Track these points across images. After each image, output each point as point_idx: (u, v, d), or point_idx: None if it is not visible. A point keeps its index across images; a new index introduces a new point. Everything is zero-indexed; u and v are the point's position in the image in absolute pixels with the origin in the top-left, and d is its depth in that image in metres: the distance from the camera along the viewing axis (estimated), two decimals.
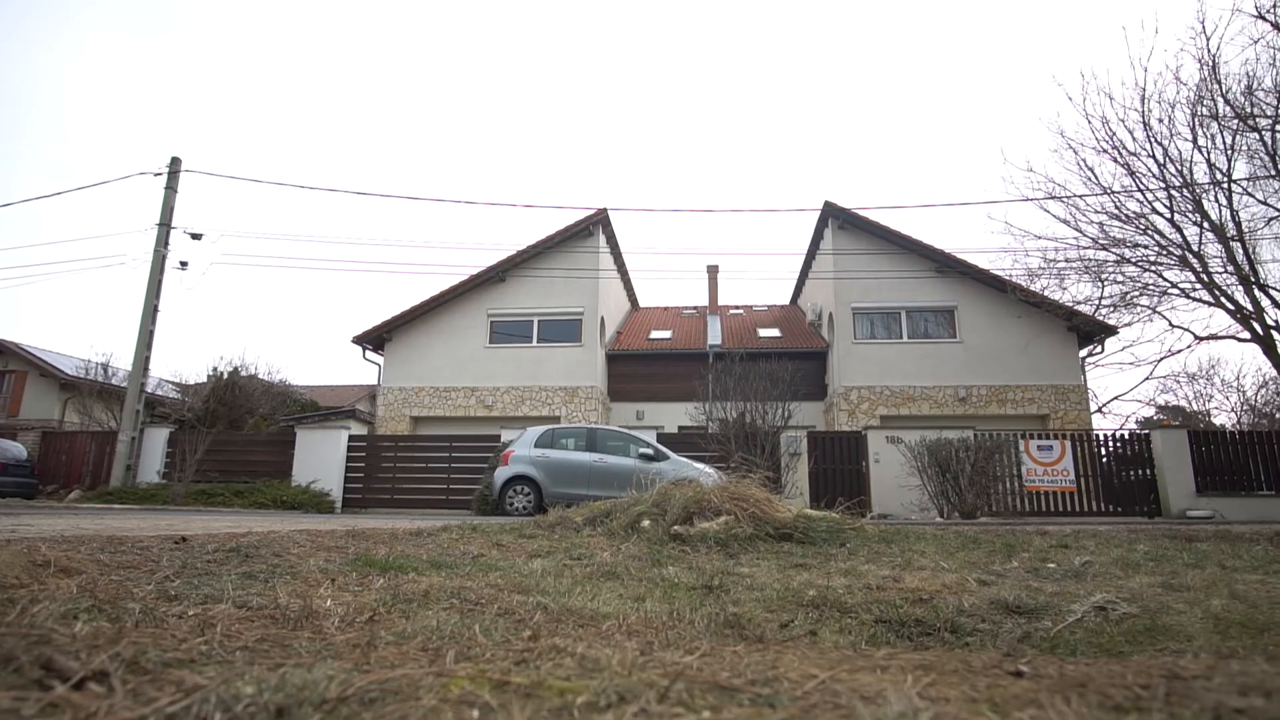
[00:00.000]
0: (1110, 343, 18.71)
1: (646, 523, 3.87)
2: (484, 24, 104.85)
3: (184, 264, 16.15)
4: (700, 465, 11.16)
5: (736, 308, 25.50)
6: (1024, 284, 16.50)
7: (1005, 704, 0.66)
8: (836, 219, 19.25)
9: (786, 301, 26.15)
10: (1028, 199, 14.89)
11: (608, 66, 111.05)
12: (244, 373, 16.62)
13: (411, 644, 1.08)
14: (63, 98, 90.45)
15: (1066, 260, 15.13)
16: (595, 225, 19.85)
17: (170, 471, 14.68)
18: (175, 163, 16.16)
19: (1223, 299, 12.83)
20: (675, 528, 3.74)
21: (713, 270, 24.18)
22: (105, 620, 1.11)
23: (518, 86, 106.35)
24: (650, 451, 11.35)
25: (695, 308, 25.52)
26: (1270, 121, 12.36)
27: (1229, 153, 12.43)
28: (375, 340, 19.58)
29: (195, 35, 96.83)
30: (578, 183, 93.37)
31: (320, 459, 14.93)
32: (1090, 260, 14.67)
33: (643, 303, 26.80)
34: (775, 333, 21.50)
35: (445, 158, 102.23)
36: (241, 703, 0.62)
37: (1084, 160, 14.09)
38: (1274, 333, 12.42)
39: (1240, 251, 12.56)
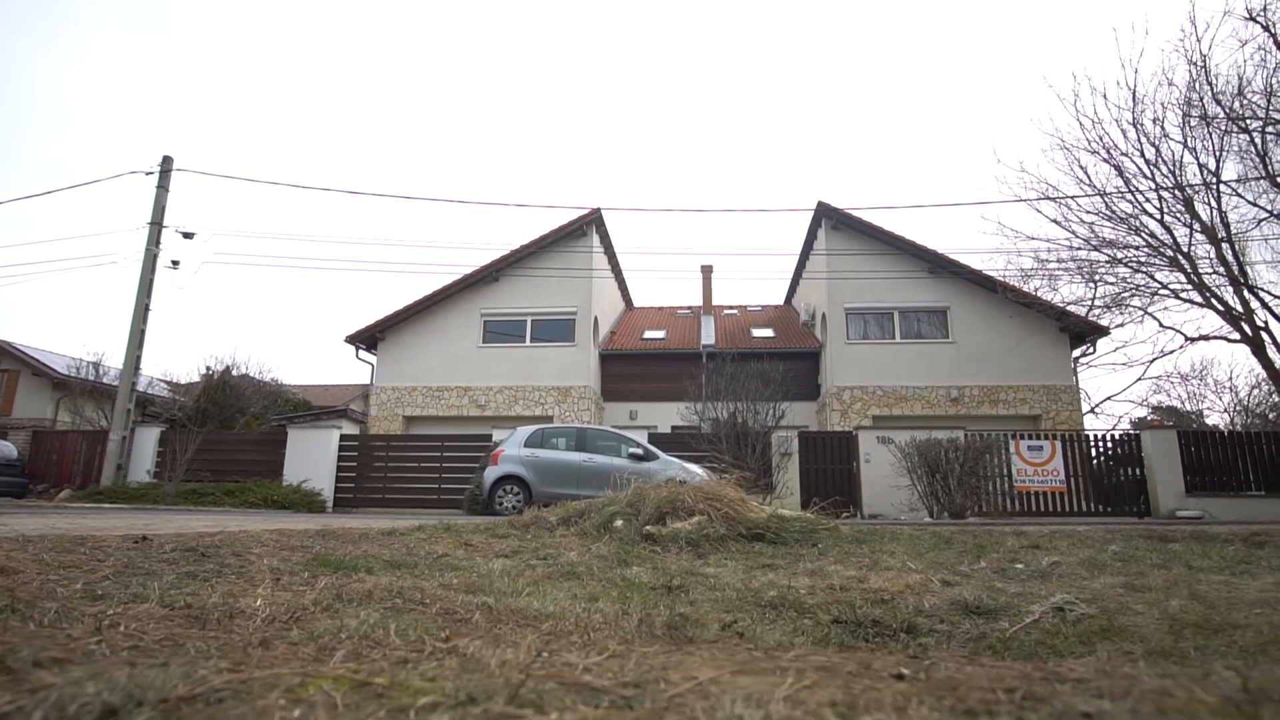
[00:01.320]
0: (1103, 343, 18.76)
1: (619, 522, 3.87)
2: (479, 27, 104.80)
3: (176, 263, 16.13)
4: (690, 465, 11.17)
5: (731, 308, 25.51)
6: (1017, 284, 16.53)
7: (862, 706, 0.66)
8: (830, 219, 19.27)
9: (781, 301, 26.17)
10: (1020, 199, 14.93)
11: (602, 66, 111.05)
12: (236, 372, 16.57)
13: (311, 644, 1.08)
14: (60, 97, 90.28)
15: (1059, 261, 15.19)
16: (589, 225, 19.84)
17: (161, 471, 14.66)
18: (167, 162, 16.13)
19: (1213, 300, 12.87)
20: (647, 528, 3.75)
21: (707, 270, 24.18)
22: (17, 620, 1.11)
23: (512, 86, 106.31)
24: (640, 451, 11.35)
25: (690, 308, 25.53)
26: (1260, 123, 12.40)
27: (1218, 154, 12.48)
28: (368, 340, 19.56)
29: (188, 36, 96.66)
30: (572, 183, 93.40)
31: (312, 458, 14.91)
32: (1083, 261, 14.72)
33: (638, 303, 26.80)
34: (769, 333, 21.51)
35: (439, 158, 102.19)
36: (78, 702, 0.62)
37: (1077, 160, 14.13)
38: (1263, 334, 12.46)
39: (1230, 253, 12.59)
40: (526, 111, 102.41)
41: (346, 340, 19.35)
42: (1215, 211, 12.74)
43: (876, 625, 2.33)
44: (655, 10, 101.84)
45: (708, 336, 20.67)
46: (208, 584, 1.71)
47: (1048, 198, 14.53)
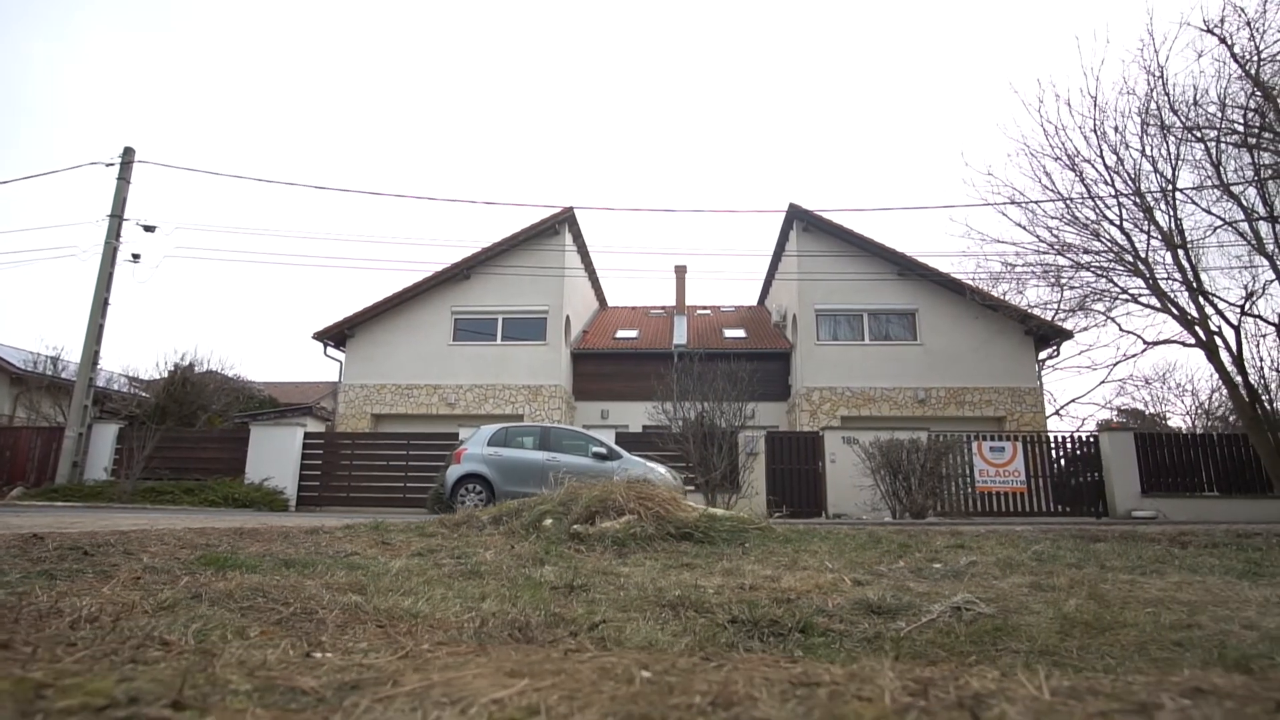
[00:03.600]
0: (1068, 347, 19.09)
1: (549, 521, 3.85)
2: (456, 28, 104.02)
3: (136, 257, 15.82)
4: (653, 465, 11.20)
5: (704, 308, 25.58)
6: (985, 288, 16.74)
7: (559, 709, 0.65)
8: (801, 221, 19.40)
9: (754, 302, 26.28)
10: (986, 203, 15.11)
11: (576, 65, 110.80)
12: (199, 368, 16.30)
13: (81, 647, 1.05)
14: (13, 83, 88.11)
15: (1026, 265, 15.39)
16: (561, 223, 19.78)
17: (119, 469, 14.37)
18: (128, 153, 15.81)
19: (1170, 305, 13.13)
20: (575, 527, 3.73)
21: (680, 270, 24.23)
22: None
23: (485, 85, 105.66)
24: (604, 450, 11.33)
25: (663, 308, 25.55)
26: (1215, 133, 12.67)
27: (1174, 162, 12.72)
28: (337, 336, 19.33)
29: (153, 29, 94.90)
30: (545, 182, 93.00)
31: (274, 456, 14.71)
32: (1049, 265, 14.94)
33: (613, 302, 26.78)
34: (741, 333, 21.60)
35: (411, 155, 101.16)
36: None
37: (1042, 166, 14.33)
38: (1216, 338, 12.74)
39: (1185, 259, 12.85)
40: (498, 111, 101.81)
41: (314, 337, 19.10)
42: (1172, 219, 12.99)
43: (773, 625, 2.34)
44: (630, 12, 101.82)
45: (680, 336, 20.71)
46: (56, 583, 1.67)
47: (1014, 202, 14.72)
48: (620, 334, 21.91)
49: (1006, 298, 16.21)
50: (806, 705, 0.66)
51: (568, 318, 19.75)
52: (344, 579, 2.12)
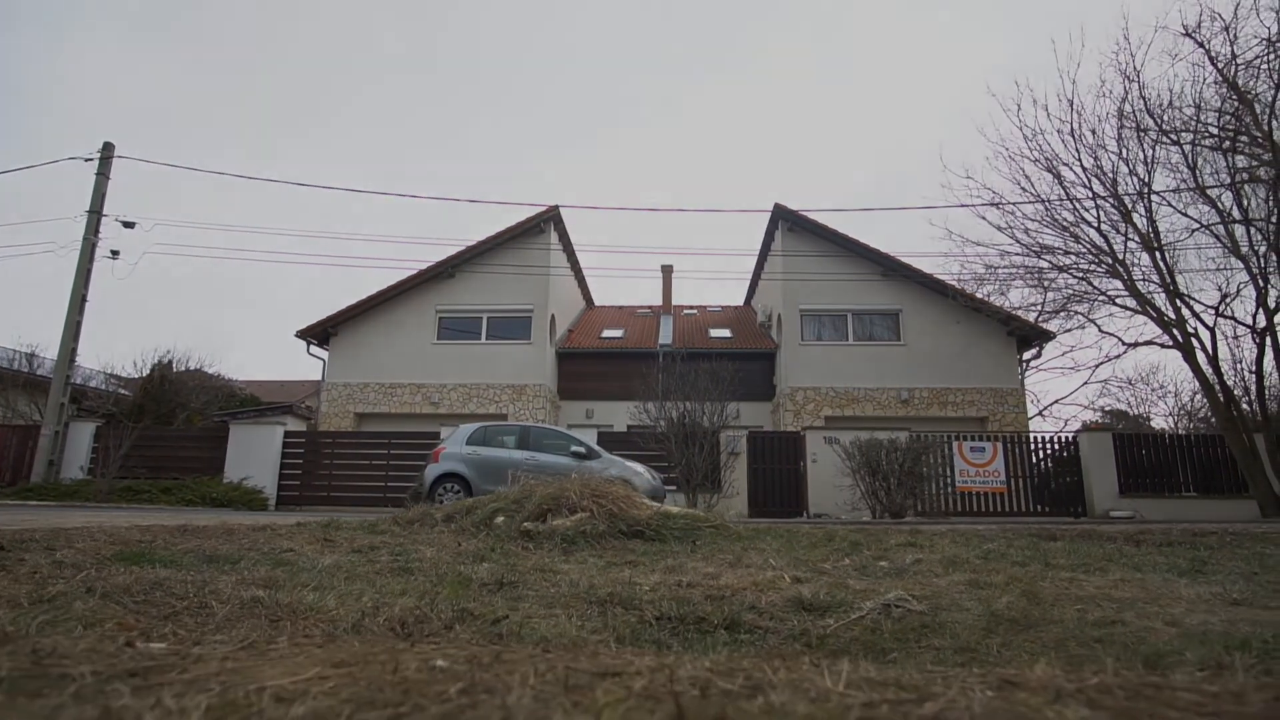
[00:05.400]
0: (1051, 348, 19.21)
1: (501, 519, 3.84)
2: (446, 24, 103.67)
3: (115, 253, 15.67)
4: (633, 464, 11.18)
5: (691, 308, 25.59)
6: (969, 289, 16.81)
7: (313, 691, 0.64)
8: (785, 221, 19.44)
9: (741, 302, 26.32)
10: (964, 205, 15.20)
11: (562, 64, 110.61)
12: (179, 366, 16.16)
13: None
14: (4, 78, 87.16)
15: (1010, 267, 15.46)
16: (547, 222, 19.74)
17: (96, 468, 14.23)
18: (108, 148, 15.67)
19: (1148, 307, 13.23)
20: (526, 524, 3.72)
21: (667, 270, 24.24)
22: None
23: (471, 84, 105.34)
24: (583, 450, 11.30)
25: (650, 307, 25.55)
26: (1192, 136, 12.79)
27: (1149, 165, 12.82)
28: (320, 335, 19.21)
29: (135, 28, 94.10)
30: (530, 181, 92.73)
31: (254, 455, 14.60)
32: (1033, 267, 15.02)
33: (601, 302, 26.75)
34: (726, 333, 21.61)
35: (396, 154, 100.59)
36: None
37: (1022, 169, 14.43)
38: (1193, 340, 12.84)
39: (1162, 262, 12.95)
40: (483, 109, 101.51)
41: (297, 335, 18.98)
42: (1149, 221, 13.10)
43: (700, 622, 2.33)
44: (615, 11, 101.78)
45: (665, 336, 20.70)
46: None
47: (993, 204, 14.82)
48: (606, 333, 21.88)
49: (990, 299, 16.31)
50: (559, 692, 0.65)
51: (553, 317, 19.71)
52: (262, 575, 2.10)
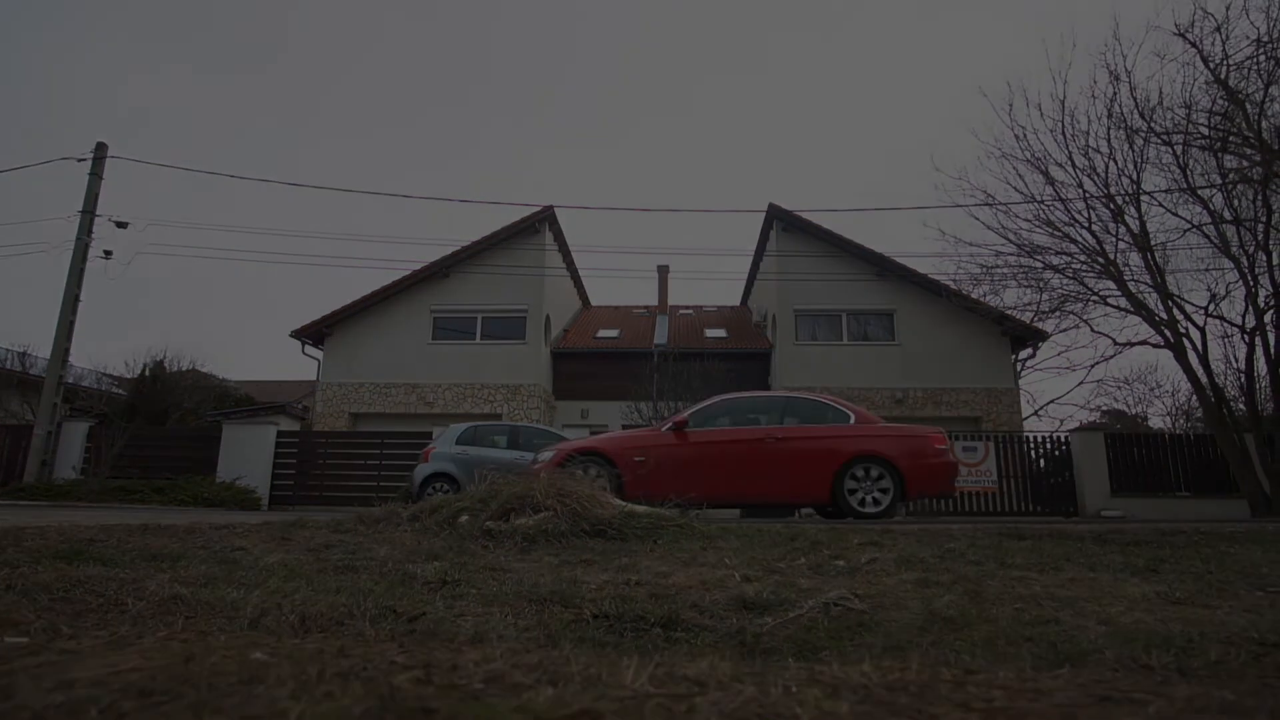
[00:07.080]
0: (1047, 348, 19.16)
1: (465, 518, 3.86)
2: (440, 24, 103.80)
3: (108, 253, 15.72)
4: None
5: (687, 308, 25.61)
6: (963, 290, 16.78)
7: (128, 679, 0.66)
8: (780, 221, 19.45)
9: (737, 303, 26.33)
10: (957, 205, 15.19)
11: (557, 64, 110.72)
12: (173, 366, 16.21)
13: None
14: None
15: (1004, 267, 15.42)
16: (542, 222, 19.77)
17: (89, 467, 14.29)
18: (101, 148, 15.72)
19: (1140, 307, 13.21)
20: (489, 523, 3.74)
21: (663, 270, 24.26)
22: None
23: (466, 85, 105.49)
24: None
25: (646, 307, 25.56)
26: (1183, 136, 12.76)
27: (1139, 165, 12.81)
28: (315, 335, 19.26)
29: (134, 21, 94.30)
30: (525, 181, 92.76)
31: (247, 455, 14.65)
32: (1028, 267, 14.99)
33: (597, 302, 26.76)
34: (722, 333, 21.63)
35: (391, 154, 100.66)
36: None
37: (1015, 169, 14.41)
38: (1184, 340, 12.82)
39: (1154, 262, 12.93)
40: (478, 109, 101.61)
41: (292, 335, 19.02)
42: (1140, 222, 13.08)
43: (638, 620, 2.34)
44: (607, 11, 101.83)
45: (661, 336, 20.72)
46: None
47: (983, 204, 14.80)
48: (601, 333, 21.91)
49: (985, 299, 16.28)
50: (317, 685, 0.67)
51: (548, 317, 19.74)
52: (199, 573, 2.12)
